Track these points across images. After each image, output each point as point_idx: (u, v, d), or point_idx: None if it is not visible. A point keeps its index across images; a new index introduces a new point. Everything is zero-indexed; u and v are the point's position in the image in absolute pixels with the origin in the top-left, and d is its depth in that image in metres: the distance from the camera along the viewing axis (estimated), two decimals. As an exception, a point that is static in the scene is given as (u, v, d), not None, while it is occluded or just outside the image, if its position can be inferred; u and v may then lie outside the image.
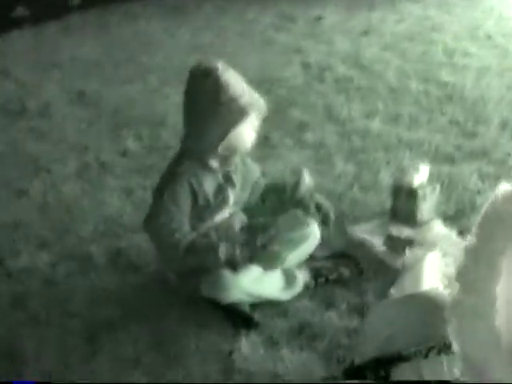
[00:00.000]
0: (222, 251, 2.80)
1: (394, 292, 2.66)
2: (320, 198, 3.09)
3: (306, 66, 5.12)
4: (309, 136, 4.18)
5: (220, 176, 2.92)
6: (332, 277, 3.04)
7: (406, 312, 2.01)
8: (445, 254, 2.84)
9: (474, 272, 1.74)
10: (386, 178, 3.70)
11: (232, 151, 2.84)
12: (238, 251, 2.83)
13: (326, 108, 4.49)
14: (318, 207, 3.06)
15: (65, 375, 2.70)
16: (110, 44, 6.05)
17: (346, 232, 3.32)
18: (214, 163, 2.86)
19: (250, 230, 3.05)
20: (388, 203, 3.43)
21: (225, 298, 2.84)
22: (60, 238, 3.52)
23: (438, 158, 3.88)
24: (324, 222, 3.06)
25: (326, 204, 3.08)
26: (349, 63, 5.13)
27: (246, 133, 2.81)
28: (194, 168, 2.84)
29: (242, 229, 3.06)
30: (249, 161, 3.07)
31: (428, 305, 1.91)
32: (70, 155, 4.26)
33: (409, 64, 5.08)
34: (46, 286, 3.21)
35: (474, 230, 1.78)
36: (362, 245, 3.25)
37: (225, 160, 2.88)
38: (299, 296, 2.98)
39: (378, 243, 3.21)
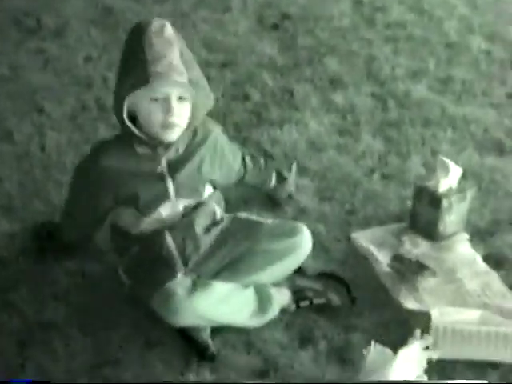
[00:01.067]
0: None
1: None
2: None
3: (357, 3, 4.44)
4: (339, 96, 3.58)
5: (156, 164, 2.42)
6: (317, 301, 2.49)
7: None
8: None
9: None
10: (415, 166, 3.13)
11: (146, 130, 2.35)
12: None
13: (367, 60, 3.87)
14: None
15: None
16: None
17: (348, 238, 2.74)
18: (141, 148, 2.39)
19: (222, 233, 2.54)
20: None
21: (176, 322, 2.35)
22: (28, 201, 3.05)
23: (483, 144, 3.26)
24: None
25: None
26: (407, 4, 4.44)
27: (153, 110, 2.30)
28: (119, 150, 2.41)
29: (213, 223, 2.54)
30: (221, 143, 2.58)
31: None
32: (69, 91, 3.76)
33: (476, 13, 4.36)
34: (-5, 266, 2.73)
35: None
36: (364, 258, 2.66)
37: (156, 144, 2.39)
38: (273, 322, 2.45)
39: (385, 260, 2.62)
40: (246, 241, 2.52)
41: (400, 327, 2.42)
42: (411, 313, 2.44)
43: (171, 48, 2.27)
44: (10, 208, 3.01)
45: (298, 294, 2.52)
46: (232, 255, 2.52)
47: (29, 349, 2.43)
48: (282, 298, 2.49)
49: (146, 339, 2.43)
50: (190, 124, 2.39)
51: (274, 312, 2.45)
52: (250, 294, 2.43)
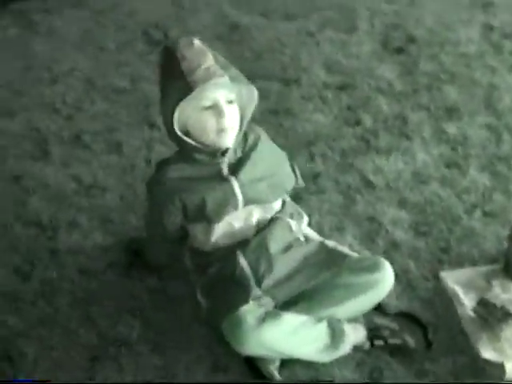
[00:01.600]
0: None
1: None
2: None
3: (486, 28, 4.26)
4: (453, 126, 3.44)
5: (217, 168, 2.47)
6: (392, 341, 2.39)
7: None
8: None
9: None
10: (520, 206, 2.94)
11: (201, 139, 2.41)
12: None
13: (488, 90, 3.70)
14: None
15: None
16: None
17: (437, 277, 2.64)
18: (201, 156, 2.45)
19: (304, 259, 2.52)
20: (510, 244, 2.70)
21: (242, 350, 2.31)
22: (125, 215, 3.11)
23: None
24: None
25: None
26: (539, 31, 4.21)
27: (205, 118, 2.38)
28: (181, 162, 2.49)
29: (292, 241, 2.53)
30: (270, 145, 2.63)
31: None
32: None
33: None
34: (83, 277, 2.84)
35: None
36: (450, 300, 2.55)
37: (214, 151, 2.44)
38: (344, 359, 2.38)
39: (470, 303, 2.50)
40: (328, 271, 2.48)
41: (474, 377, 2.31)
42: (488, 363, 2.30)
43: (204, 56, 2.33)
44: (107, 220, 3.07)
45: (373, 332, 2.44)
46: (310, 284, 2.47)
47: (99, 363, 2.48)
48: (356, 335, 2.42)
49: (214, 363, 2.43)
50: (241, 125, 2.43)
51: (345, 349, 2.38)
52: (322, 329, 2.37)
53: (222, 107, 2.36)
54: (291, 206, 2.61)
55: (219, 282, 2.46)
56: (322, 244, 2.58)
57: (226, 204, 2.45)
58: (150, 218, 2.61)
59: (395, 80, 3.84)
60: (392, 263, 2.65)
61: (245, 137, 2.52)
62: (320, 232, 2.85)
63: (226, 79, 2.32)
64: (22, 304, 2.73)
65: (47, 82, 4.12)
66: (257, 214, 2.49)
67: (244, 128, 2.47)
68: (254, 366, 2.37)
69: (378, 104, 3.65)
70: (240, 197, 2.46)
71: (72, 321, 2.64)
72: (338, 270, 2.47)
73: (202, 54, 2.35)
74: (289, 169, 2.69)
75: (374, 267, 2.46)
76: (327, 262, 2.51)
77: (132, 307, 2.66)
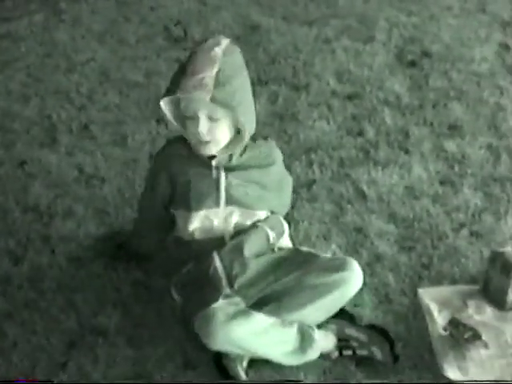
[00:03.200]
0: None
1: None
2: None
3: (502, 48, 4.24)
4: (453, 144, 3.45)
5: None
6: (360, 353, 2.44)
7: None
8: None
9: None
10: (508, 228, 2.97)
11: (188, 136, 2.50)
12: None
13: (494, 110, 3.72)
14: None
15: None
16: None
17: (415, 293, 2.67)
18: (196, 148, 2.51)
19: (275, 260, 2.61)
20: (491, 265, 2.72)
21: (211, 345, 2.37)
22: (121, 208, 3.20)
23: None
24: None
25: None
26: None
27: (188, 125, 2.45)
28: (181, 144, 2.56)
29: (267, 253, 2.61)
30: (281, 172, 2.73)
31: None
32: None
33: None
34: (71, 265, 2.92)
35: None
36: (423, 317, 2.58)
37: (204, 148, 2.49)
38: (312, 365, 2.42)
39: (443, 322, 2.54)
40: (297, 270, 2.54)
41: (436, 394, 2.34)
42: (451, 382, 2.34)
43: (209, 66, 2.35)
44: (102, 211, 3.15)
45: (342, 342, 2.47)
46: (280, 284, 2.53)
47: (75, 350, 2.54)
48: (325, 342, 2.47)
49: (184, 360, 2.48)
50: (237, 139, 2.48)
51: (313, 354, 2.43)
52: (291, 332, 2.42)
53: (199, 122, 2.41)
54: (276, 219, 2.64)
55: (193, 280, 2.52)
56: (295, 249, 2.66)
57: (208, 196, 2.52)
58: (144, 190, 2.69)
59: (403, 94, 3.87)
60: (372, 275, 2.70)
61: (257, 150, 2.59)
62: (306, 239, 2.90)
63: (205, 98, 2.33)
64: (10, 287, 2.79)
65: (64, 71, 4.19)
66: (236, 217, 2.54)
67: (242, 143, 2.50)
68: (221, 365, 2.40)
69: (382, 116, 3.68)
70: (223, 194, 2.52)
71: (55, 307, 2.70)
72: (307, 270, 2.51)
73: (208, 63, 2.37)
74: (287, 199, 2.77)
75: (341, 266, 2.52)
76: (298, 262, 2.56)
77: (114, 299, 2.72)
